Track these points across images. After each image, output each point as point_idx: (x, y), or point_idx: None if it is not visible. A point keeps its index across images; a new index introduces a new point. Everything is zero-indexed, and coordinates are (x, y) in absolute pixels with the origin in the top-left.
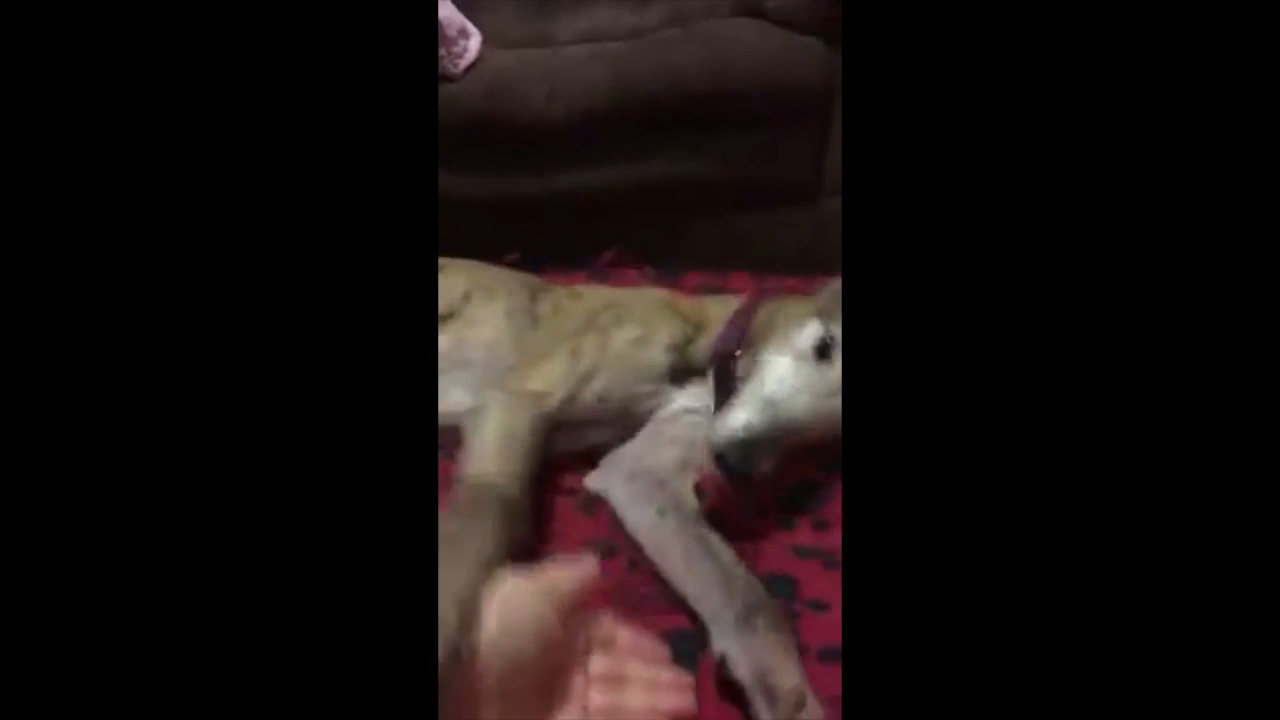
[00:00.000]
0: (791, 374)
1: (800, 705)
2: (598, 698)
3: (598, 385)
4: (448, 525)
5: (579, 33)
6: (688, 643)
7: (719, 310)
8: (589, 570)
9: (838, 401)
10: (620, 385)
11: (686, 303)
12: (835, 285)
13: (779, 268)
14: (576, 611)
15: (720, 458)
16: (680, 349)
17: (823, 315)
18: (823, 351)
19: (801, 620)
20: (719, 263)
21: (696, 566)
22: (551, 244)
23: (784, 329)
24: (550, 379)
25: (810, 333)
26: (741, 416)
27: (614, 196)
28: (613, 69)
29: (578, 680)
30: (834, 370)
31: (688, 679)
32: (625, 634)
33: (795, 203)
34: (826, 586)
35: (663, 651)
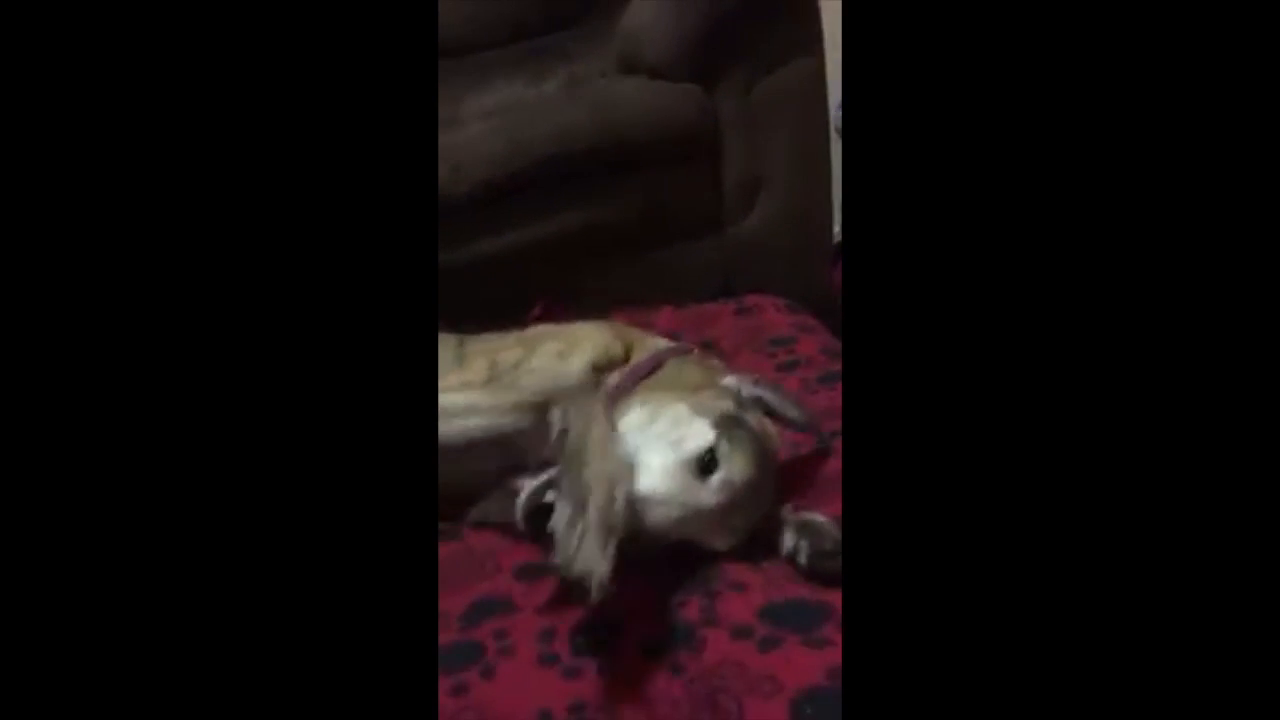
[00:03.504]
0: (666, 479)
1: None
2: None
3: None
4: None
5: (482, 110)
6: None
7: (643, 345)
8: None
9: (706, 515)
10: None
11: (623, 326)
12: (751, 390)
13: (699, 295)
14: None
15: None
16: (601, 369)
17: (718, 425)
18: (706, 467)
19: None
20: (642, 299)
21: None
22: (478, 310)
23: (673, 413)
24: (459, 382)
25: (699, 439)
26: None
27: (532, 254)
28: (508, 138)
29: None
30: (709, 486)
31: None
32: None
33: (703, 234)
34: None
35: None
